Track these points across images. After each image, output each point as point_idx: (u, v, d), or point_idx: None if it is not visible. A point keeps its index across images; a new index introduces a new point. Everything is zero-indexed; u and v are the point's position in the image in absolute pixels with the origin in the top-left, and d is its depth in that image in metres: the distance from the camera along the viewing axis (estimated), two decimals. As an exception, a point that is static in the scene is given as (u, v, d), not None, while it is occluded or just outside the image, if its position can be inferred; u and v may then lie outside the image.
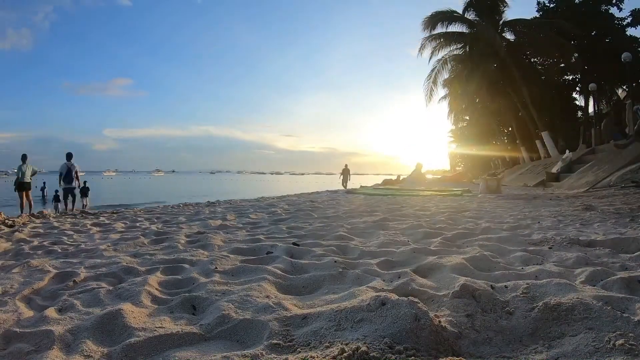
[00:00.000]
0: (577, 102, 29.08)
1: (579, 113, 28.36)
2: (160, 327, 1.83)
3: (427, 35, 25.41)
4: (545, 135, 23.37)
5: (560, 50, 23.25)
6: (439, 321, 1.66)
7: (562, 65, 26.96)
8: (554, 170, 15.41)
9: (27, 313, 2.13)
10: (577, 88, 28.16)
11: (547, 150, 23.47)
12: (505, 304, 1.89)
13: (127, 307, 2.04)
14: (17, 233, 4.88)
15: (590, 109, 26.91)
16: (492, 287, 2.10)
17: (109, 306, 2.11)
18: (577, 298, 1.82)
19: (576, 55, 24.01)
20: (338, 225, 5.19)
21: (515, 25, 24.68)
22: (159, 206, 9.04)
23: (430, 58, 26.34)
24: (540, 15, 26.57)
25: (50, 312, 2.09)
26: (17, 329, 1.88)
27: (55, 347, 1.67)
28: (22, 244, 4.24)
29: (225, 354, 1.54)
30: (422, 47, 25.81)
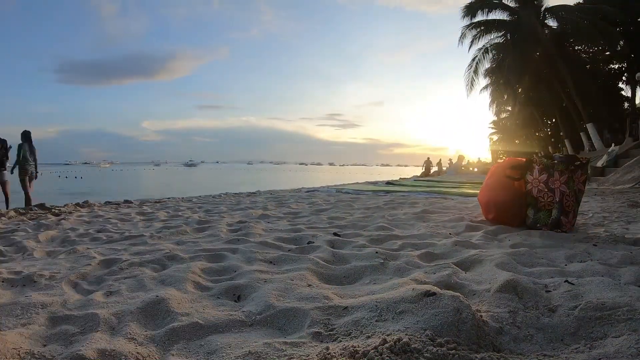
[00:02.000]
0: (623, 93, 27.70)
1: (626, 104, 27.02)
2: (202, 312, 1.89)
3: (467, 23, 24.68)
4: (590, 127, 22.35)
5: (605, 37, 22.09)
6: (481, 316, 1.64)
7: (608, 53, 25.64)
8: (599, 164, 14.76)
9: (74, 297, 2.23)
10: (624, 77, 26.79)
11: (592, 143, 22.50)
12: (548, 301, 1.86)
13: (170, 292, 2.11)
14: (63, 221, 5.08)
15: (638, 100, 25.60)
16: (535, 283, 2.06)
17: (153, 291, 2.19)
18: (621, 298, 1.77)
19: (622, 42, 22.84)
20: (379, 216, 5.19)
21: (558, 11, 23.63)
22: (200, 196, 9.26)
23: (471, 47, 25.41)
24: (583, 0, 25.39)
25: (96, 296, 2.19)
26: (64, 312, 1.98)
27: (100, 329, 1.74)
28: (68, 231, 4.42)
29: (266, 340, 1.58)
30: (463, 36, 24.99)
